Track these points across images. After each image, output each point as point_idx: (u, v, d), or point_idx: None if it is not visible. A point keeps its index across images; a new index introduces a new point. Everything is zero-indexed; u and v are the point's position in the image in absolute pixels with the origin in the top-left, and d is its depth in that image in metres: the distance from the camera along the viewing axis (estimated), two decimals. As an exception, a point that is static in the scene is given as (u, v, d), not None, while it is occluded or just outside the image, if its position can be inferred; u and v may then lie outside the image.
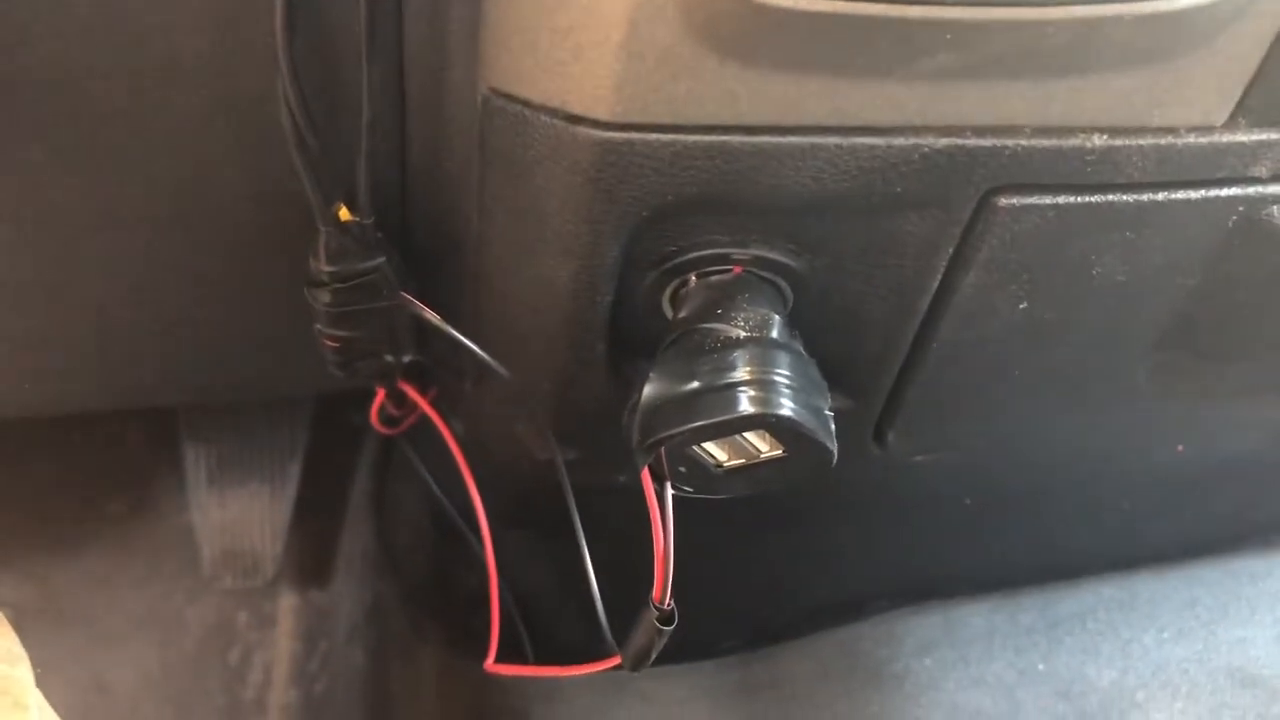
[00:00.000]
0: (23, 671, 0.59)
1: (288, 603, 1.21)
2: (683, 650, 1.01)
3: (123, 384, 0.76)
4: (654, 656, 0.57)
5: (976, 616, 0.98)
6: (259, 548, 1.22)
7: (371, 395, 0.80)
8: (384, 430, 0.79)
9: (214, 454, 1.20)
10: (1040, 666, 0.96)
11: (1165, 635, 0.99)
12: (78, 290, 0.64)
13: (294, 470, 1.20)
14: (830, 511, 0.89)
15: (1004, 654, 0.96)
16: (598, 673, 1.04)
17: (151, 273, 0.62)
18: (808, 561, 0.97)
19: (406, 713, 1.09)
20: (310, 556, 1.21)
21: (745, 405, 0.48)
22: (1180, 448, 0.78)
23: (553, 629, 1.07)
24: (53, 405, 0.79)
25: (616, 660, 0.59)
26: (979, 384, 0.61)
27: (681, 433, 0.49)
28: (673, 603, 0.55)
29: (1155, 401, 0.67)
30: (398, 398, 0.77)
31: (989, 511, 0.89)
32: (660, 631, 0.55)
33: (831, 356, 0.54)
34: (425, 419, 0.86)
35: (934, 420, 0.64)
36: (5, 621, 0.61)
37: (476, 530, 1.04)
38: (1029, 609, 0.99)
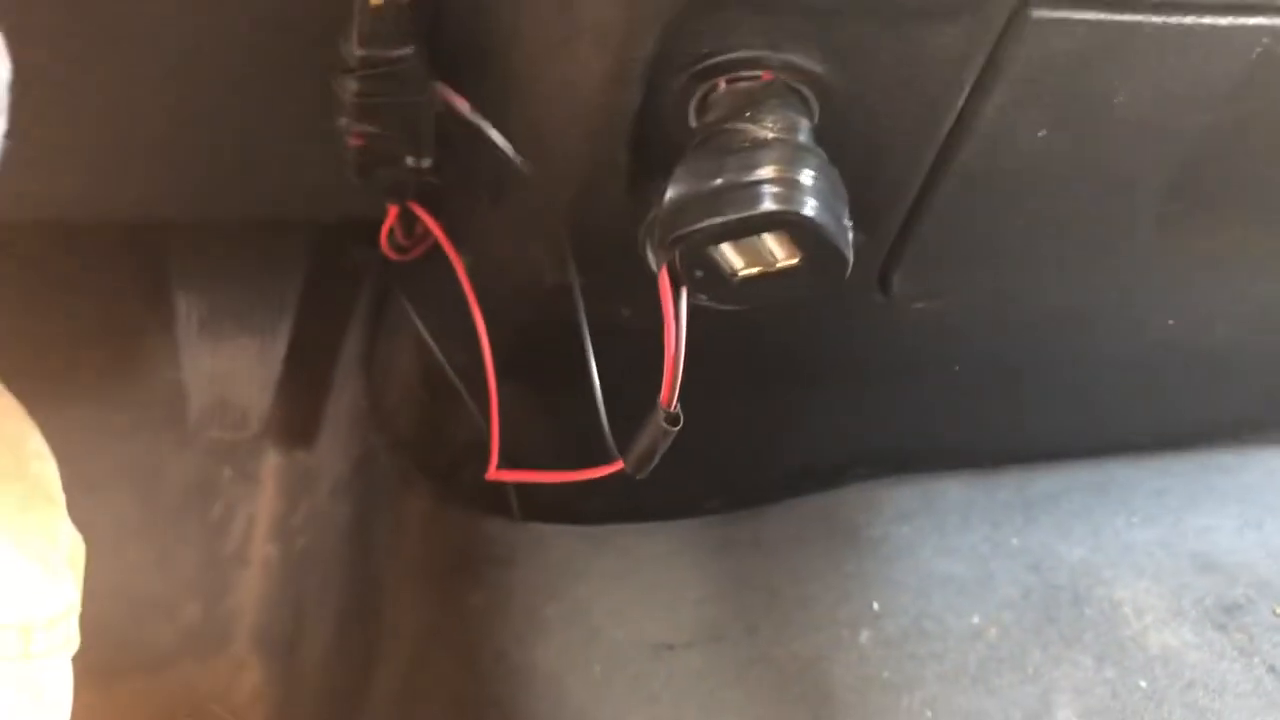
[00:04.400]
0: (51, 469, 0.59)
1: (272, 459, 1.22)
2: (666, 510, 1.03)
3: (127, 191, 0.74)
4: (657, 459, 0.58)
5: (955, 490, 1.01)
6: (247, 400, 1.22)
7: (373, 234, 0.80)
8: (392, 255, 0.79)
9: (205, 304, 1.20)
10: (1014, 541, 0.99)
11: (1135, 520, 1.02)
12: (89, 80, 0.63)
13: (286, 324, 1.20)
14: (820, 373, 0.90)
15: (980, 527, 0.99)
16: (582, 527, 1.06)
17: (169, 61, 0.62)
18: (793, 427, 0.99)
19: (389, 562, 1.10)
20: (298, 411, 1.22)
21: (768, 202, 0.49)
22: (1171, 322, 0.80)
23: (537, 487, 1.08)
24: (49, 209, 0.78)
25: (620, 465, 0.60)
26: (989, 222, 0.63)
27: (704, 229, 0.50)
28: (679, 406, 0.56)
29: (1155, 262, 0.68)
30: (407, 224, 0.78)
31: (976, 381, 0.91)
32: (666, 432, 0.56)
33: (849, 185, 0.55)
34: (423, 267, 0.86)
35: (940, 261, 0.66)
36: (32, 422, 0.61)
37: (468, 383, 1.06)
38: (1006, 487, 1.02)
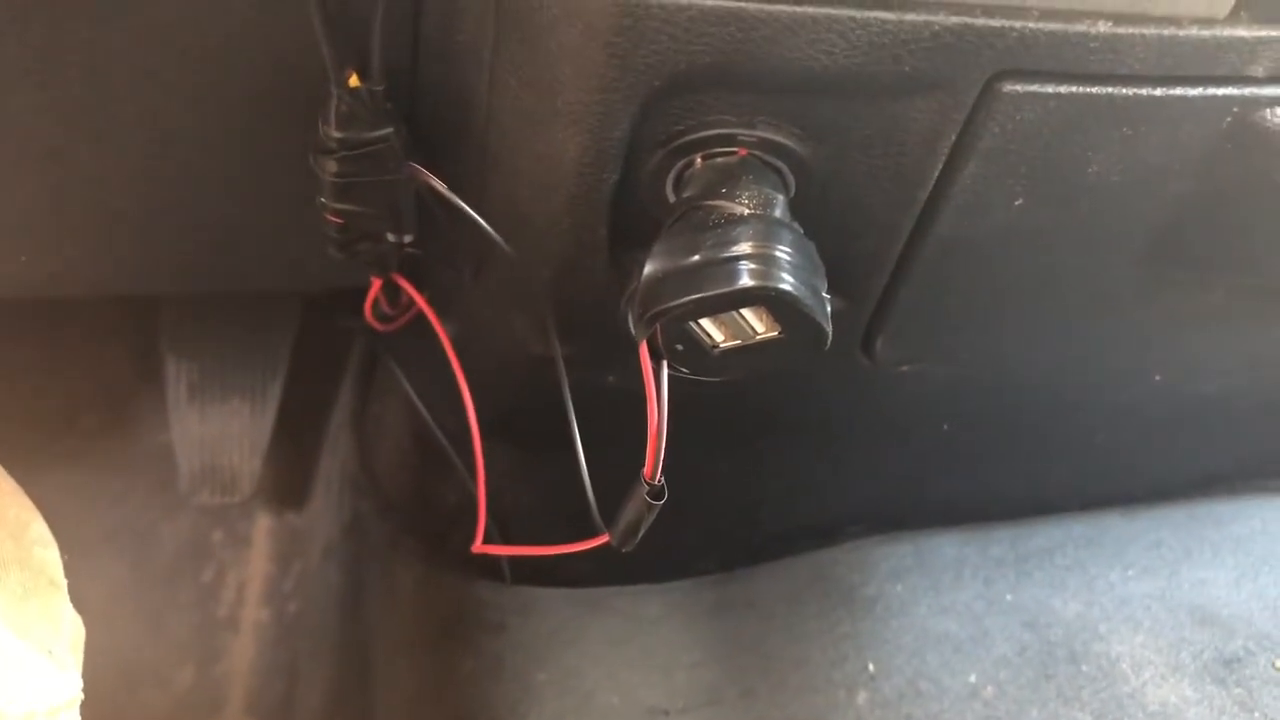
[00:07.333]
0: (53, 554, 0.59)
1: (263, 523, 1.22)
2: (658, 571, 1.02)
3: (115, 266, 0.75)
4: (643, 533, 0.58)
5: (948, 547, 1.00)
6: (237, 464, 1.22)
7: (360, 300, 0.81)
8: (377, 326, 0.79)
9: (195, 369, 1.20)
10: (1008, 597, 0.98)
11: (1130, 573, 1.01)
12: (78, 160, 0.64)
13: (276, 388, 1.20)
14: (810, 433, 0.90)
15: (974, 584, 0.99)
16: (574, 590, 1.05)
17: (155, 142, 0.62)
18: (784, 486, 0.99)
19: (381, 627, 1.10)
20: (289, 475, 1.22)
21: (746, 279, 0.49)
22: (1158, 377, 0.80)
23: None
24: (41, 287, 0.79)
25: (605, 538, 0.59)
26: (969, 289, 0.63)
27: (682, 304, 0.50)
28: (663, 479, 0.56)
29: (1139, 320, 0.69)
30: (392, 295, 0.78)
31: (965, 439, 0.91)
32: (650, 506, 0.56)
33: (828, 253, 0.55)
34: (412, 332, 0.86)
35: (922, 327, 0.66)
36: (34, 507, 0.61)
37: (458, 446, 1.05)
38: (999, 542, 1.01)
